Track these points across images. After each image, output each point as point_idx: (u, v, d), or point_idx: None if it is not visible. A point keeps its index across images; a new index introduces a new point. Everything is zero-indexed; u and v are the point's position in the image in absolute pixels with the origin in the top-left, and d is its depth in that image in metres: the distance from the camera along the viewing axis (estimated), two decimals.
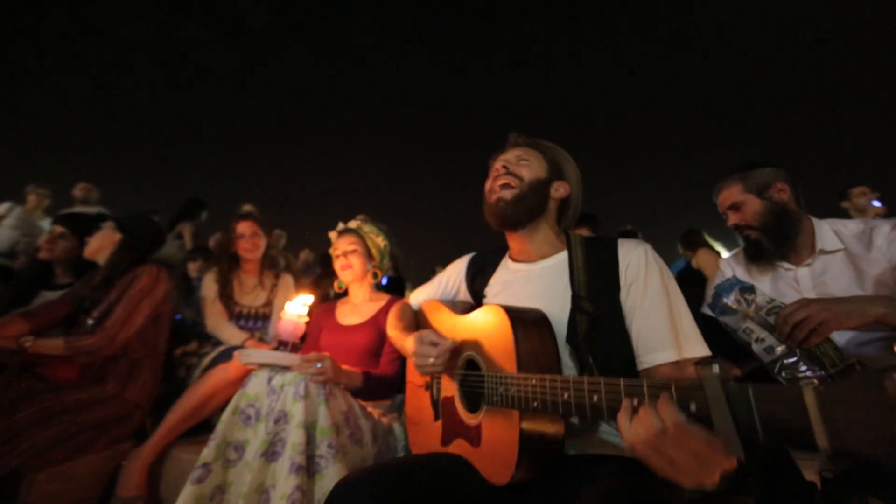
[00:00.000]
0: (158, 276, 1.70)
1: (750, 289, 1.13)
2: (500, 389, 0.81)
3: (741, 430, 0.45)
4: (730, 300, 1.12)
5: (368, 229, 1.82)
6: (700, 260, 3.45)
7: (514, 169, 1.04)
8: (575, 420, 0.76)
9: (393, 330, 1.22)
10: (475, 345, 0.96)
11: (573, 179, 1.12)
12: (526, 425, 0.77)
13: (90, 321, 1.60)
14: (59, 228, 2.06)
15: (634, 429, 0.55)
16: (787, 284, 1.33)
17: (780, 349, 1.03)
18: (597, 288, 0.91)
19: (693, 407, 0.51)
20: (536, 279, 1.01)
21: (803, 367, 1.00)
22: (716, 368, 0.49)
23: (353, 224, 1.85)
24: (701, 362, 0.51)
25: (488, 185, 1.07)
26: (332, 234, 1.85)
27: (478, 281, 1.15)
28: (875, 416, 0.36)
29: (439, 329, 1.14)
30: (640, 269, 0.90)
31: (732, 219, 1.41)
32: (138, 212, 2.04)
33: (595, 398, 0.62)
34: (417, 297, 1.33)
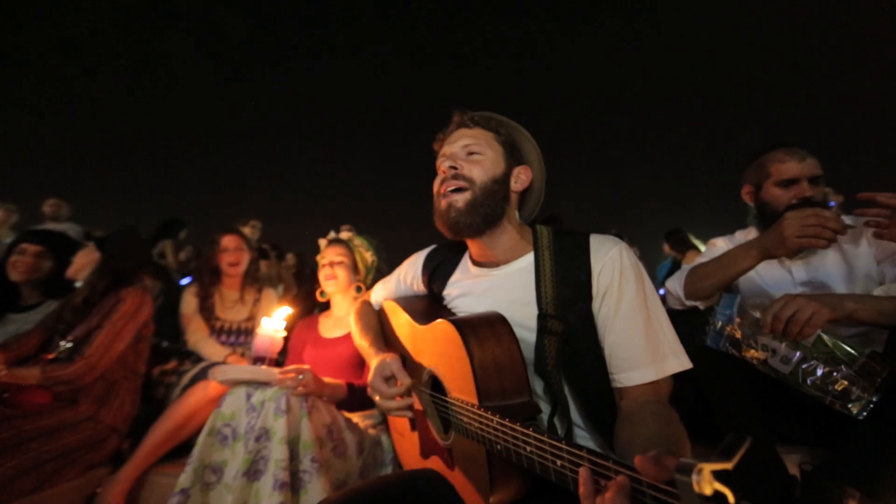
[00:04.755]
0: (142, 300, 1.66)
1: (739, 303, 1.13)
2: (464, 419, 0.74)
3: None
4: (734, 324, 1.11)
5: (359, 242, 1.82)
6: (690, 261, 3.56)
7: (463, 169, 0.89)
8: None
9: (362, 341, 1.12)
10: (437, 362, 0.88)
11: (534, 161, 0.99)
12: (496, 458, 0.70)
13: (65, 344, 1.54)
14: (29, 246, 1.98)
15: None
16: (781, 276, 1.36)
17: (795, 356, 1.03)
18: (566, 299, 0.82)
19: None
20: (499, 287, 0.91)
21: (824, 370, 1.00)
22: (696, 478, 0.36)
23: (344, 235, 1.84)
24: (679, 469, 0.38)
25: (436, 185, 0.93)
26: (322, 242, 1.84)
27: (436, 281, 1.05)
28: None
29: (402, 336, 1.07)
30: (614, 274, 0.81)
31: (808, 191, 1.30)
32: (120, 229, 2.02)
33: (559, 463, 0.55)
34: (377, 294, 1.26)
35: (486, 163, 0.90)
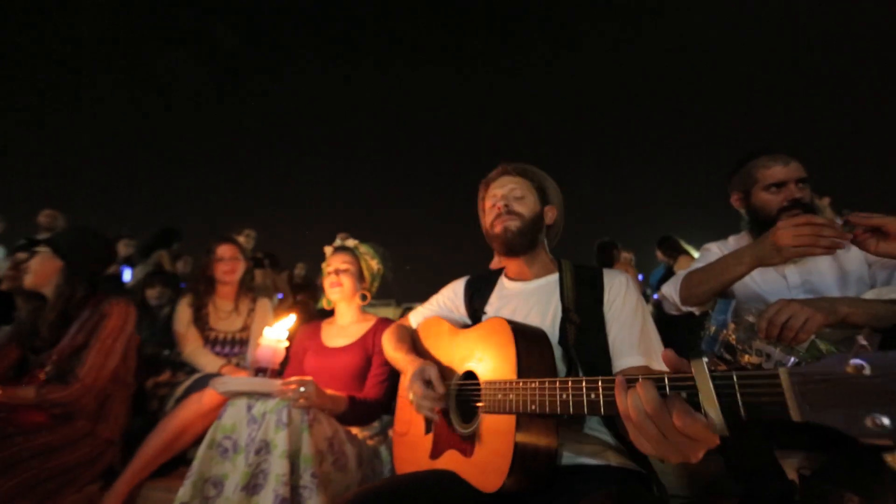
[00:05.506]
0: (128, 313, 1.59)
1: (733, 308, 1.15)
2: (499, 396, 0.84)
3: (725, 410, 0.50)
4: (729, 329, 1.12)
5: (364, 250, 1.81)
6: (682, 266, 3.59)
7: (514, 207, 1.16)
8: (566, 417, 0.84)
9: (396, 352, 1.24)
10: (475, 356, 1.00)
11: (557, 202, 1.25)
12: (521, 434, 0.81)
13: (49, 367, 1.47)
14: (24, 255, 1.96)
15: (632, 400, 0.57)
16: (775, 280, 1.37)
17: (789, 362, 1.03)
18: (583, 304, 1.05)
19: (684, 395, 0.55)
20: (531, 295, 1.14)
21: None
22: (705, 359, 0.54)
23: (350, 242, 1.82)
24: (693, 356, 0.55)
25: (490, 218, 1.18)
26: (328, 249, 1.83)
27: (476, 301, 1.24)
28: (836, 390, 0.44)
29: (437, 347, 1.20)
30: (621, 290, 1.07)
31: (797, 193, 1.32)
32: (73, 227, 1.74)
33: (593, 395, 0.67)
34: (416, 317, 1.37)
35: (529, 203, 1.18)
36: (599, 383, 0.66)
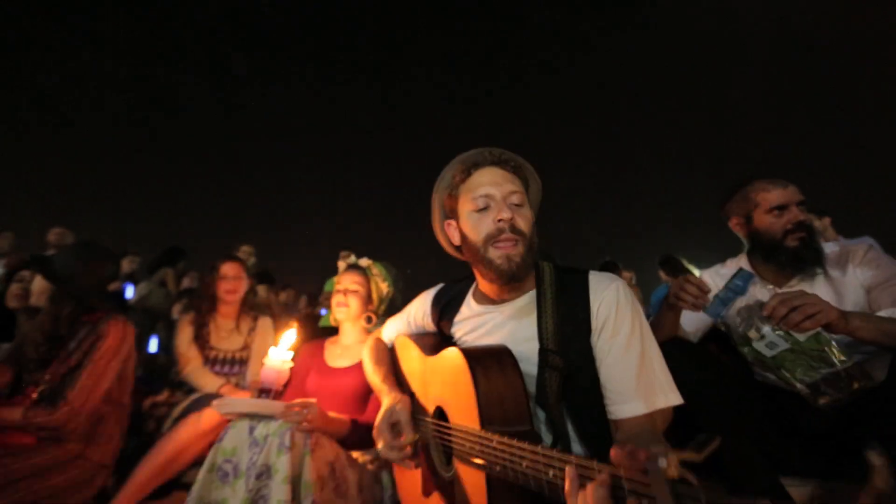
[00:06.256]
0: (125, 333, 1.55)
1: (752, 283, 1.14)
2: (466, 446, 0.77)
3: None
4: (743, 300, 1.11)
5: (377, 271, 1.80)
6: None
7: (517, 223, 0.90)
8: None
9: (374, 375, 1.19)
10: (443, 391, 0.93)
11: (536, 204, 1.05)
12: (495, 483, 0.73)
13: (41, 386, 1.45)
14: (28, 274, 1.98)
15: None
16: None
17: (783, 345, 1.04)
18: (566, 336, 0.86)
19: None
20: (503, 324, 0.95)
21: (805, 364, 1.02)
22: (663, 463, 0.43)
23: (363, 262, 1.81)
24: (650, 457, 0.44)
25: (482, 231, 0.92)
26: (341, 264, 1.83)
27: (444, 319, 1.10)
28: None
29: (411, 373, 1.13)
30: (611, 309, 0.86)
31: (800, 216, 1.34)
32: (69, 245, 1.76)
33: (552, 473, 0.58)
34: (388, 332, 1.31)
35: (527, 214, 0.94)
36: (556, 461, 0.57)
